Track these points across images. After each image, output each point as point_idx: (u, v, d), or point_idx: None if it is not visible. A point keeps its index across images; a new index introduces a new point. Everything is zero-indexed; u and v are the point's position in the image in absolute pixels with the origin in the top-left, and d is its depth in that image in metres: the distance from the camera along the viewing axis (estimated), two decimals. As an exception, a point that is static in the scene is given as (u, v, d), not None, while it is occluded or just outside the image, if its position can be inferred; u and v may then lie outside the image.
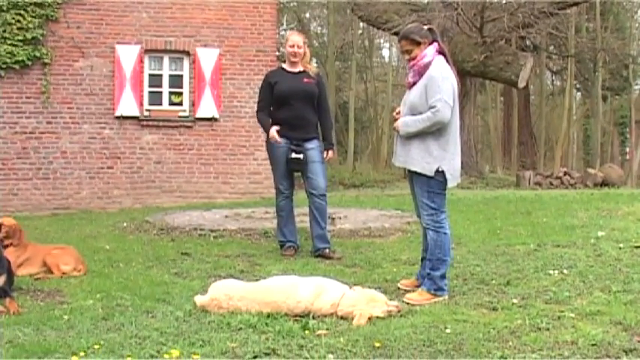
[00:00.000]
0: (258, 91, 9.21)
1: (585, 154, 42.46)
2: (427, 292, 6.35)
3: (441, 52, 6.54)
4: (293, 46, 8.81)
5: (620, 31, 38.94)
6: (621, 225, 10.66)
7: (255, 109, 9.23)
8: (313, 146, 8.80)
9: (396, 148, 6.68)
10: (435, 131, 6.34)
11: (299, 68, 8.89)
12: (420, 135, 6.36)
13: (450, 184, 6.48)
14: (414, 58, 6.51)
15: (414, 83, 6.52)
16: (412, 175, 6.58)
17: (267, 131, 8.86)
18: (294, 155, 8.66)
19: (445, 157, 6.39)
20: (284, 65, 9.03)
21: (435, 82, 6.33)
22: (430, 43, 6.53)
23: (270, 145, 8.87)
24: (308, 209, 8.92)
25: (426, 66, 6.42)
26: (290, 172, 8.90)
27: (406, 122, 6.43)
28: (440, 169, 6.35)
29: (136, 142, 17.11)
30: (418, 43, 6.51)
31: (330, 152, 9.04)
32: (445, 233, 6.49)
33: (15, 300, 6.35)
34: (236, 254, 9.02)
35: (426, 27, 6.74)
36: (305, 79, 8.82)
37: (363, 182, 24.89)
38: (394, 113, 6.74)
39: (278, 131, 8.71)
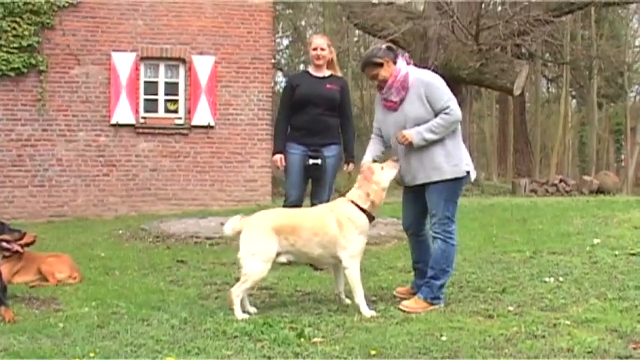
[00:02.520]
0: (281, 94, 8.89)
1: (581, 162, 42.49)
2: (423, 301, 6.33)
3: (409, 63, 6.53)
4: (316, 48, 8.48)
5: (615, 38, 39.01)
6: (617, 232, 10.68)
7: (276, 114, 8.93)
8: (332, 154, 8.50)
9: (408, 167, 6.48)
10: (450, 133, 6.33)
11: (324, 73, 8.55)
12: (439, 143, 6.30)
13: (472, 177, 6.51)
14: (386, 80, 6.44)
15: (402, 100, 6.42)
16: (418, 189, 6.50)
17: (274, 150, 8.65)
18: (311, 161, 8.37)
19: (462, 154, 6.43)
20: (309, 69, 8.70)
21: (434, 86, 6.33)
22: (394, 60, 6.46)
23: (285, 151, 8.56)
24: None
25: (405, 78, 6.36)
26: (304, 180, 8.57)
27: (418, 131, 6.27)
28: (466, 170, 6.39)
29: (131, 149, 17.10)
30: (380, 64, 6.44)
31: (351, 165, 8.65)
32: (453, 245, 6.47)
33: (10, 308, 6.34)
34: (232, 262, 8.99)
35: (383, 46, 6.66)
36: (328, 85, 8.48)
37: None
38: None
39: (296, 137, 8.46)
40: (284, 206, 8.54)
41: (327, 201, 8.43)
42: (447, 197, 6.38)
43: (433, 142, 6.30)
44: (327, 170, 8.45)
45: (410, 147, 6.36)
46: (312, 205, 8.40)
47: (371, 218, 6.38)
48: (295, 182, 8.53)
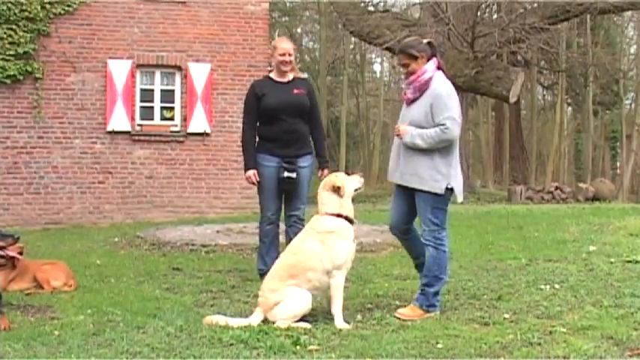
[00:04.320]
0: (244, 104, 8.50)
1: (576, 169, 42.55)
2: (419, 308, 6.32)
3: (439, 67, 6.53)
4: (284, 54, 8.13)
5: (610, 46, 39.07)
6: (612, 239, 10.68)
7: (241, 126, 8.52)
8: (307, 164, 8.26)
9: (396, 165, 6.59)
10: (442, 148, 6.34)
11: (288, 78, 8.25)
12: (427, 153, 6.33)
13: (459, 198, 6.54)
14: (412, 73, 6.47)
15: (414, 100, 6.48)
16: (406, 190, 6.53)
17: (245, 165, 8.27)
18: (287, 174, 8.05)
19: (452, 174, 6.41)
20: (272, 75, 8.35)
21: (441, 101, 6.33)
22: (429, 58, 6.50)
23: (258, 164, 8.22)
24: (285, 230, 8.43)
25: (427, 82, 6.40)
26: (280, 194, 8.27)
27: (412, 133, 6.35)
28: (449, 187, 6.37)
29: (127, 156, 17.09)
30: (415, 58, 6.45)
31: (326, 170, 8.28)
32: (444, 251, 6.47)
33: (5, 316, 6.32)
34: (227, 269, 9.01)
35: (425, 41, 6.66)
36: (295, 90, 8.19)
37: (354, 197, 24.86)
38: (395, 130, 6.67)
39: (269, 149, 8.14)
40: (265, 228, 8.35)
41: (304, 211, 8.35)
42: (433, 205, 6.39)
43: (422, 151, 6.33)
44: (301, 181, 8.22)
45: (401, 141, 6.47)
46: (288, 217, 8.34)
47: (349, 221, 6.37)
48: (273, 196, 8.24)
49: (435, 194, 6.34)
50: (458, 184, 6.46)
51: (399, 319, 6.17)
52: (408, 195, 6.56)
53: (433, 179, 6.33)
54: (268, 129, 8.17)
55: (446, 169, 6.37)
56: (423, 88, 6.41)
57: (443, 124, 6.25)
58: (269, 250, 8.33)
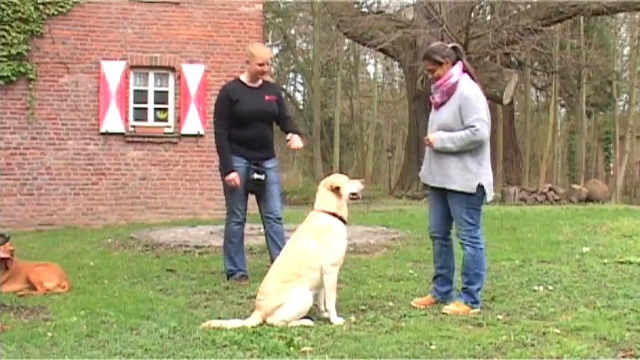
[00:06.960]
0: (215, 105, 8.49)
1: (570, 170, 42.66)
2: (464, 304, 6.49)
3: (465, 70, 6.67)
4: (263, 64, 8.19)
5: (604, 47, 39.17)
6: (606, 240, 10.71)
7: (214, 128, 8.46)
8: (272, 165, 8.37)
9: (428, 167, 6.76)
10: (472, 148, 6.48)
11: (259, 82, 8.33)
12: (457, 153, 6.48)
13: (489, 198, 6.66)
14: (438, 78, 6.62)
15: (442, 103, 6.63)
16: (441, 193, 6.66)
17: (225, 167, 8.22)
18: (256, 176, 8.16)
19: (483, 173, 6.55)
20: (243, 79, 8.38)
21: (470, 102, 6.49)
22: (454, 62, 6.63)
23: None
24: (265, 233, 8.47)
25: (454, 86, 6.55)
26: (247, 194, 8.37)
27: (442, 138, 6.51)
28: (480, 185, 6.50)
29: (121, 158, 17.07)
30: (440, 63, 6.61)
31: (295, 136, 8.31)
32: (481, 248, 6.66)
33: (-2, 317, 6.31)
34: (221, 271, 8.98)
35: (449, 45, 6.83)
36: (267, 97, 8.27)
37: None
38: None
39: (238, 150, 8.20)
40: (233, 228, 8.38)
41: (280, 210, 8.43)
42: (467, 206, 6.55)
43: (452, 153, 6.49)
44: (269, 183, 8.30)
45: (432, 148, 6.62)
46: (267, 219, 8.36)
47: (343, 222, 6.45)
48: (242, 196, 8.33)
49: (468, 194, 6.50)
50: (488, 182, 6.60)
51: (444, 313, 6.34)
52: (441, 196, 6.71)
53: (464, 178, 6.49)
54: (239, 132, 8.24)
55: (476, 168, 6.52)
56: (450, 92, 6.58)
57: (472, 126, 6.42)
58: (237, 250, 8.43)
